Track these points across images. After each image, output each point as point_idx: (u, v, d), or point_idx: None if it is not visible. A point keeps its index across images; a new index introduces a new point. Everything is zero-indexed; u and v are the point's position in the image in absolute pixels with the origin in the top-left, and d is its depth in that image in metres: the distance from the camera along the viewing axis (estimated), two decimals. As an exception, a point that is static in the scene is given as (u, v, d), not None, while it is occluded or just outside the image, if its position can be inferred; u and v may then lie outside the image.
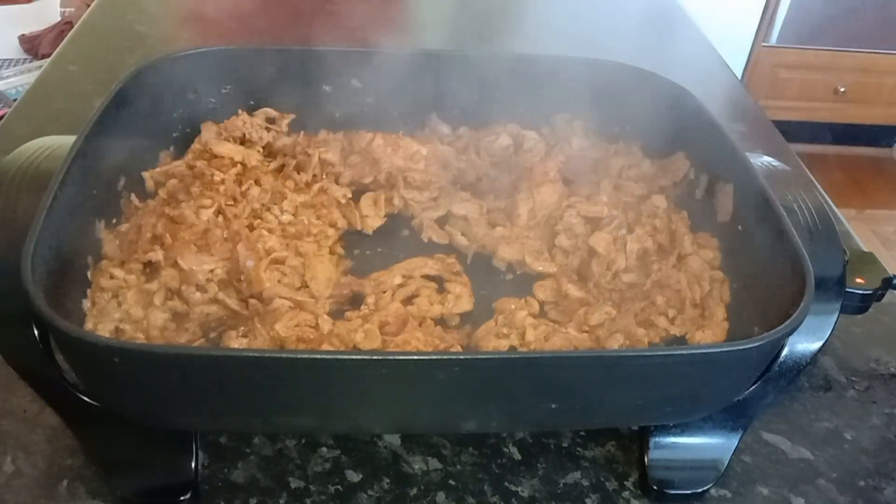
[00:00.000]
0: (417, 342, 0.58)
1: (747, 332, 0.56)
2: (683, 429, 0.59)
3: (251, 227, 0.65)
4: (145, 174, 0.69)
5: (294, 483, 0.58)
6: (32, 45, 2.00)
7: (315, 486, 0.57)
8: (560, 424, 0.61)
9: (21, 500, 0.55)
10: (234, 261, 0.62)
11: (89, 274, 0.59)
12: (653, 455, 0.58)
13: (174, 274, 0.60)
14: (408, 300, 0.63)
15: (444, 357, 0.50)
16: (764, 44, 2.43)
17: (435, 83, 0.77)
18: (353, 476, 0.58)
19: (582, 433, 0.62)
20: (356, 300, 0.64)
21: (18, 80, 1.83)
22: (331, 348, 0.56)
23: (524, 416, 0.54)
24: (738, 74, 2.36)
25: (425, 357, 0.49)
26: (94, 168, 0.60)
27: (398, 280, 0.64)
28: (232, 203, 0.67)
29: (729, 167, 0.66)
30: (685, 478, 0.59)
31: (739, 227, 0.64)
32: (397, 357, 0.48)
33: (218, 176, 0.69)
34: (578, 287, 0.66)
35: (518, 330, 0.60)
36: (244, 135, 0.75)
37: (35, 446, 0.58)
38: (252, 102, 0.78)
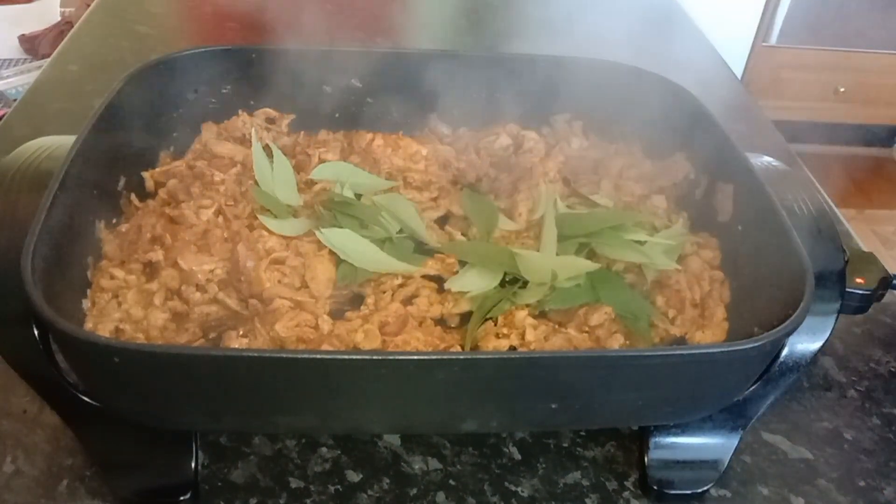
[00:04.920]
0: (417, 342, 0.58)
1: (747, 332, 0.56)
2: (683, 429, 0.59)
3: (251, 227, 0.65)
4: (145, 174, 0.69)
5: (294, 483, 0.58)
6: (32, 45, 2.00)
7: (315, 486, 0.57)
8: (560, 424, 0.61)
9: (21, 500, 0.55)
10: (234, 261, 0.62)
11: (89, 274, 0.59)
12: (653, 455, 0.58)
13: (174, 274, 0.60)
14: (408, 300, 0.63)
15: (444, 357, 0.50)
16: (764, 44, 2.43)
17: (435, 83, 0.77)
18: (353, 476, 0.58)
19: (582, 433, 0.62)
20: (356, 300, 0.64)
21: (18, 80, 1.83)
22: (331, 348, 0.56)
23: (524, 416, 0.54)
24: (738, 74, 2.36)
25: (425, 357, 0.49)
26: (94, 168, 0.60)
27: (398, 280, 0.64)
28: (232, 203, 0.67)
29: (729, 167, 0.66)
30: (685, 478, 0.59)
31: (739, 227, 0.64)
32: (397, 357, 0.48)
33: (218, 176, 0.69)
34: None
35: (518, 330, 0.60)
36: (244, 135, 0.75)
37: (35, 446, 0.58)
38: (252, 102, 0.78)
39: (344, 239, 0.64)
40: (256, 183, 0.69)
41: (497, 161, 0.78)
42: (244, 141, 0.75)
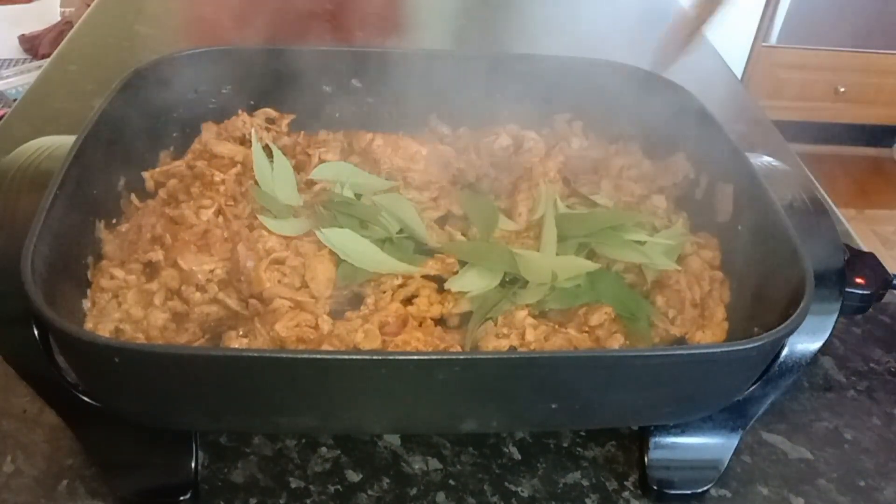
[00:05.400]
0: (417, 342, 0.58)
1: (747, 332, 0.56)
2: (683, 429, 0.59)
3: (251, 227, 0.65)
4: (145, 174, 0.69)
5: (294, 483, 0.58)
6: (32, 45, 2.00)
7: (315, 486, 0.57)
8: (560, 424, 0.61)
9: (21, 500, 0.55)
10: (234, 261, 0.62)
11: (89, 274, 0.59)
12: (653, 455, 0.58)
13: (174, 274, 0.60)
14: (408, 300, 0.63)
15: (444, 357, 0.50)
16: (764, 44, 2.43)
17: (435, 83, 0.77)
18: (353, 476, 0.58)
19: (582, 433, 0.62)
20: (356, 300, 0.64)
21: (18, 80, 1.83)
22: (331, 348, 0.56)
23: (524, 416, 0.54)
24: (738, 74, 2.36)
25: (425, 357, 0.49)
26: (94, 168, 0.60)
27: (398, 280, 0.64)
28: (232, 203, 0.67)
29: (729, 167, 0.66)
30: (685, 478, 0.59)
31: (739, 227, 0.64)
32: (397, 357, 0.48)
33: (218, 176, 0.69)
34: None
35: (518, 330, 0.60)
36: (244, 135, 0.75)
37: (35, 446, 0.58)
38: (252, 102, 0.78)
39: (344, 239, 0.64)
40: (256, 183, 0.69)
41: (497, 161, 0.78)
42: (244, 141, 0.75)
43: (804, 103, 2.53)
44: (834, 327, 0.58)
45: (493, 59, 0.80)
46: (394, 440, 0.61)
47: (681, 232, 0.68)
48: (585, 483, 0.59)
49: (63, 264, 0.54)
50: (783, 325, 0.48)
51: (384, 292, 0.63)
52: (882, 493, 0.60)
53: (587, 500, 0.58)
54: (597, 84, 0.76)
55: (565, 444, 0.62)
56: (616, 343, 0.59)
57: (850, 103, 2.55)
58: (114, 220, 0.64)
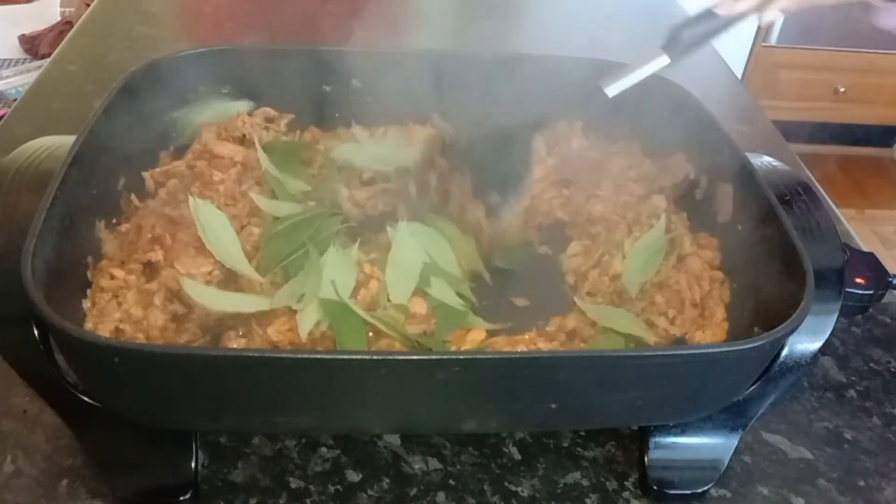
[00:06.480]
0: (417, 342, 0.58)
1: (747, 332, 0.56)
2: (683, 429, 0.59)
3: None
4: (145, 174, 0.69)
5: (294, 483, 0.58)
6: (32, 45, 2.00)
7: (315, 486, 0.57)
8: (560, 424, 0.61)
9: (21, 500, 0.55)
10: (234, 261, 0.62)
11: (89, 274, 0.59)
12: (653, 455, 0.58)
13: (174, 274, 0.60)
14: None
15: (444, 357, 0.50)
16: (764, 44, 2.43)
17: (435, 83, 0.77)
18: (353, 476, 0.58)
19: (582, 433, 0.62)
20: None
21: (18, 80, 1.83)
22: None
23: (524, 416, 0.54)
24: (738, 74, 2.36)
25: (425, 357, 0.49)
26: (94, 168, 0.60)
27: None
28: (231, 203, 0.67)
29: (729, 167, 0.66)
30: (685, 478, 0.59)
31: (739, 227, 0.64)
32: (397, 357, 0.48)
33: (218, 176, 0.69)
34: (578, 287, 0.66)
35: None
36: (244, 135, 0.75)
37: (35, 446, 0.58)
38: (252, 102, 0.78)
39: (209, 215, 0.62)
40: (256, 183, 0.69)
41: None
42: (244, 141, 0.75)
43: (804, 103, 2.53)
44: (834, 327, 0.57)
45: (493, 59, 0.79)
46: (394, 440, 0.61)
47: (662, 234, 0.67)
48: (585, 483, 0.59)
49: (63, 264, 0.54)
50: (783, 325, 0.48)
51: None
52: (882, 493, 0.60)
53: (587, 500, 0.58)
54: (597, 84, 0.76)
55: (565, 444, 0.62)
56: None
57: (850, 103, 2.55)
58: (114, 220, 0.64)
